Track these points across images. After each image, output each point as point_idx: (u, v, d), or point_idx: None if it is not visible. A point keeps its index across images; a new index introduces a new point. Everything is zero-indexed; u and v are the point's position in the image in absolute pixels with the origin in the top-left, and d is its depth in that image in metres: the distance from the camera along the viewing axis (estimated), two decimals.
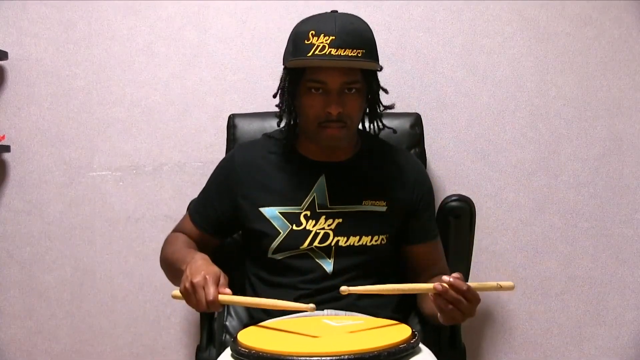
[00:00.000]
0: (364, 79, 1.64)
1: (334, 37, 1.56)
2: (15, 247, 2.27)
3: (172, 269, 1.69)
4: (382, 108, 1.75)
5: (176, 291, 1.52)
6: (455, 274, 1.45)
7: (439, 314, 1.50)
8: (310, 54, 1.57)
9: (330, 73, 1.59)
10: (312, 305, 1.42)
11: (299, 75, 1.63)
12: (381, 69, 1.69)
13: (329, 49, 1.56)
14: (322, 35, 1.57)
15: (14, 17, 2.23)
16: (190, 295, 1.45)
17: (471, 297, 1.45)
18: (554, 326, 2.23)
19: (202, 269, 1.47)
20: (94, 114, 2.24)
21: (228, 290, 1.45)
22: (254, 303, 1.54)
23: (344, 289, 1.45)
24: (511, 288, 1.50)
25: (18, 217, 2.26)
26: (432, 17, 2.20)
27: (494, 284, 1.51)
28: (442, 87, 2.21)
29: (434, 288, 1.44)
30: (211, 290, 1.43)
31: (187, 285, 1.45)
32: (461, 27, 2.20)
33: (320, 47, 1.57)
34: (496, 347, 2.24)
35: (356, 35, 1.59)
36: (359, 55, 1.58)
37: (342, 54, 1.56)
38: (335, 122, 1.62)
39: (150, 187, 2.24)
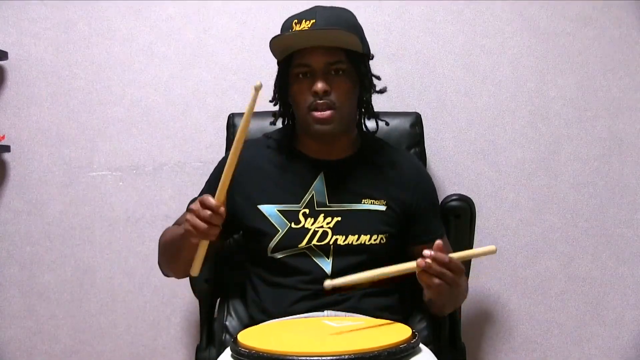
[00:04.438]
0: (349, 60, 1.66)
1: (314, 20, 1.62)
2: (15, 247, 2.27)
3: (173, 245, 1.66)
4: (374, 90, 1.76)
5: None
6: (437, 243, 1.44)
7: (425, 291, 1.50)
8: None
9: (314, 54, 1.63)
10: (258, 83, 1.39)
11: (287, 65, 1.66)
12: (373, 57, 1.71)
13: (310, 30, 1.61)
14: (304, 20, 1.63)
15: (14, 17, 2.23)
16: (194, 220, 1.45)
17: (454, 268, 1.45)
18: (554, 326, 2.23)
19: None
20: (94, 114, 2.24)
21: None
22: (230, 162, 1.48)
23: (327, 284, 1.47)
24: (493, 251, 1.49)
25: (18, 217, 2.26)
26: (432, 17, 2.20)
27: (475, 250, 1.52)
28: (442, 87, 2.21)
29: (418, 265, 1.43)
30: (211, 199, 1.45)
31: (189, 216, 1.47)
32: (461, 27, 2.20)
33: (301, 30, 1.62)
34: (496, 347, 2.24)
35: (338, 18, 1.65)
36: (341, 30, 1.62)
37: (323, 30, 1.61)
38: (322, 102, 1.63)
39: (150, 187, 2.24)
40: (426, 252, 1.43)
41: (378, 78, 1.76)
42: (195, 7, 2.22)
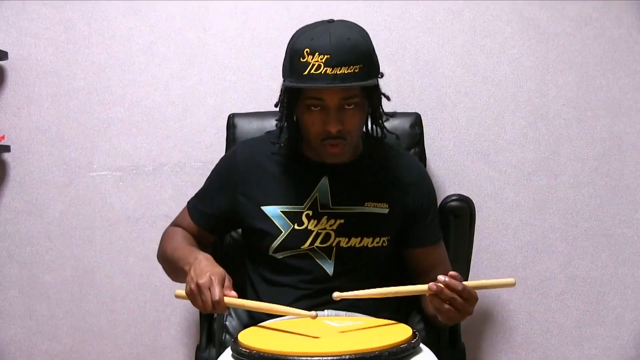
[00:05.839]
0: (363, 92, 1.61)
1: (328, 56, 1.54)
2: (15, 247, 2.26)
3: (172, 266, 1.70)
4: (384, 118, 1.73)
5: (180, 290, 1.53)
6: (451, 273, 1.45)
7: (437, 315, 1.50)
8: (305, 73, 1.55)
9: (328, 90, 1.57)
10: (313, 313, 1.45)
11: (297, 93, 1.62)
12: (382, 76, 1.66)
13: (325, 68, 1.54)
14: (317, 53, 1.54)
15: (14, 17, 2.23)
16: (196, 296, 1.47)
17: (467, 296, 1.45)
18: (554, 326, 2.23)
19: (207, 269, 1.48)
20: (94, 114, 2.24)
21: (233, 293, 1.47)
22: (256, 307, 1.54)
23: (336, 295, 1.47)
24: (512, 284, 1.48)
25: (18, 217, 2.26)
26: (432, 17, 2.20)
27: (493, 281, 1.52)
28: (442, 87, 2.21)
29: (429, 288, 1.44)
30: (217, 291, 1.44)
31: (193, 286, 1.47)
32: (461, 27, 2.20)
33: (315, 66, 1.55)
34: (496, 347, 2.24)
35: (352, 52, 1.56)
36: (356, 71, 1.55)
37: (337, 72, 1.54)
38: (335, 138, 1.61)
39: (150, 187, 2.24)
40: (440, 277, 1.44)
41: (388, 98, 1.72)
42: (195, 7, 2.22)
